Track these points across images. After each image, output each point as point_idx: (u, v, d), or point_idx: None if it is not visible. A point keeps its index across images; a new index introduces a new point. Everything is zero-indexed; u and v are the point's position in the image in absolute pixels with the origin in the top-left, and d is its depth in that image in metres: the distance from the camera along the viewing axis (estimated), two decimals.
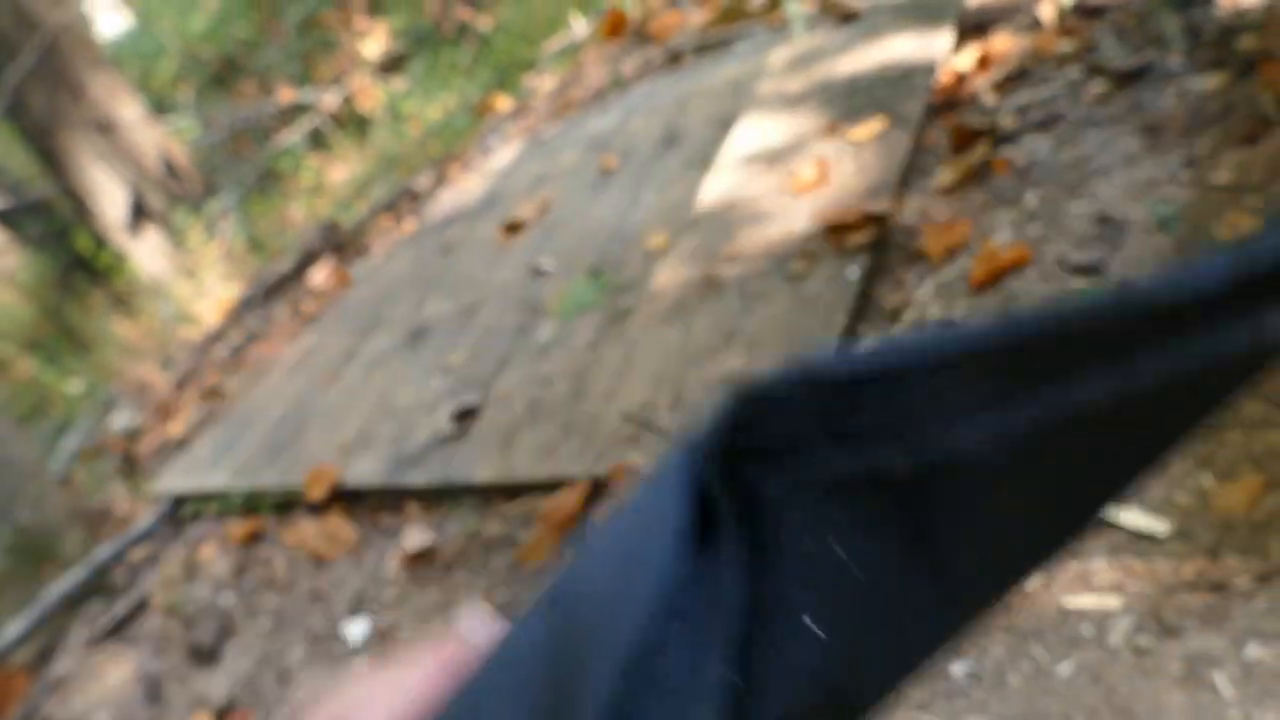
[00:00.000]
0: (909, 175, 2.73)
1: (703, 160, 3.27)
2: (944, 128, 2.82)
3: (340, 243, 4.88)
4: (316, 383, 3.36)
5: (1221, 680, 1.30)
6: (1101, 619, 1.46)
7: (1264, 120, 2.25)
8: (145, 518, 3.24)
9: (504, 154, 4.50)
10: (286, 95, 7.86)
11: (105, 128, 6.05)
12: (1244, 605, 1.36)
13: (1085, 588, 1.51)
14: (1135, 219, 2.18)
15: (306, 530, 2.74)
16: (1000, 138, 2.67)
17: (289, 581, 2.68)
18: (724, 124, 3.42)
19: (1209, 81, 2.46)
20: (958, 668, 1.51)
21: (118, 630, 2.87)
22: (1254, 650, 1.31)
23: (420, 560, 2.45)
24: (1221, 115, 2.34)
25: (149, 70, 8.50)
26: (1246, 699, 1.27)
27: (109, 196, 6.04)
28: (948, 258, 2.39)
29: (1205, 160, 2.23)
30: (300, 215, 6.24)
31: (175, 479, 3.29)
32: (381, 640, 2.34)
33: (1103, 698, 1.37)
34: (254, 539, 2.88)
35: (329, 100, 7.36)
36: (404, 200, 5.01)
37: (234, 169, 7.26)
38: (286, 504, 2.90)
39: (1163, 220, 2.00)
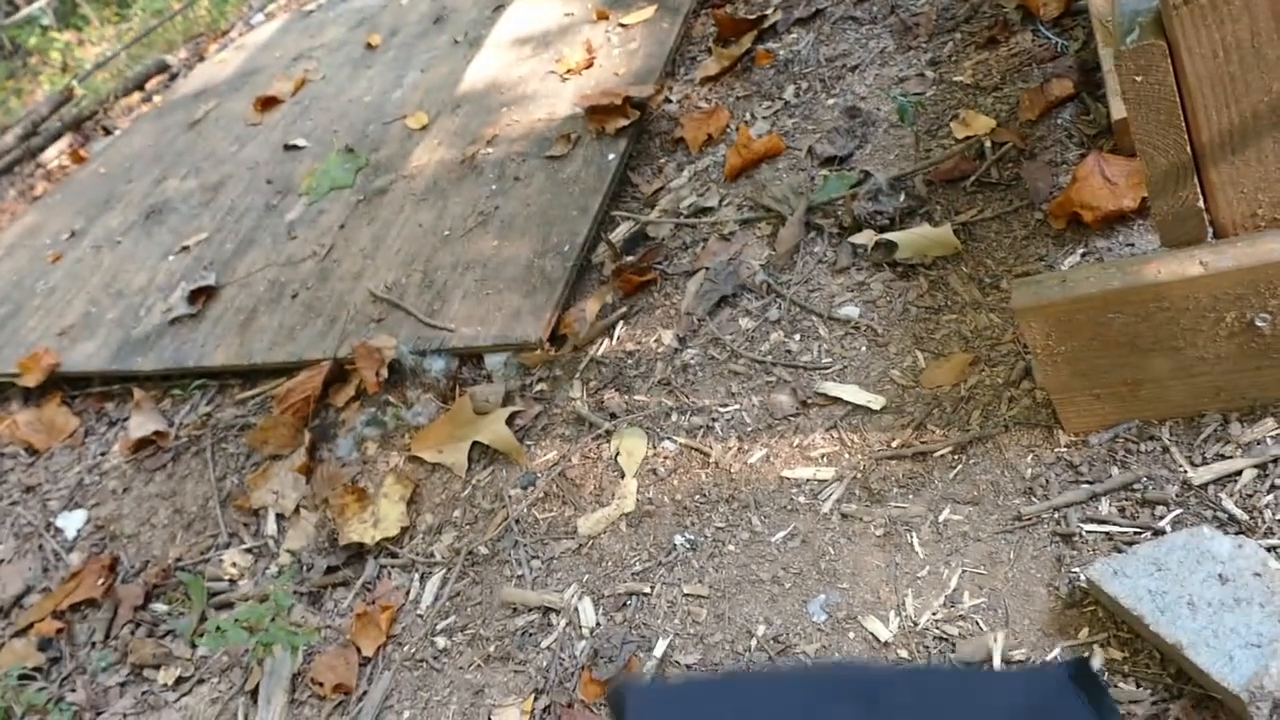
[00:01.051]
0: (676, 64, 2.69)
1: (472, 40, 3.13)
2: (713, 19, 2.79)
3: (80, 119, 4.42)
4: (37, 264, 3.04)
5: (916, 540, 1.36)
6: (816, 488, 1.50)
7: (1006, 24, 2.32)
8: None
9: (267, 29, 4.17)
10: None
11: None
12: (942, 472, 1.42)
13: (804, 460, 1.55)
14: (882, 114, 2.23)
15: (19, 419, 2.50)
16: (765, 31, 2.66)
17: None
18: (497, 5, 3.28)
19: None
20: (679, 539, 1.52)
21: None
22: (946, 513, 1.37)
23: (146, 447, 2.28)
24: (968, 18, 2.41)
25: None
26: (935, 556, 1.33)
27: None
28: (706, 146, 2.38)
29: (949, 60, 2.29)
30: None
31: None
32: (99, 531, 2.17)
33: (811, 560, 1.41)
34: None
35: None
36: (157, 76, 4.59)
37: None
38: None
39: (902, 112, 2.04)
